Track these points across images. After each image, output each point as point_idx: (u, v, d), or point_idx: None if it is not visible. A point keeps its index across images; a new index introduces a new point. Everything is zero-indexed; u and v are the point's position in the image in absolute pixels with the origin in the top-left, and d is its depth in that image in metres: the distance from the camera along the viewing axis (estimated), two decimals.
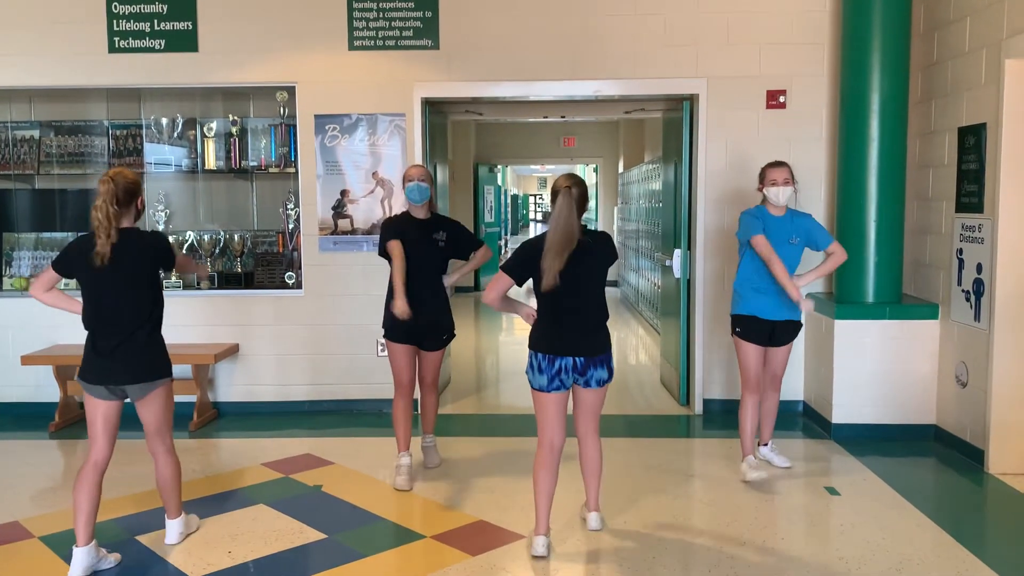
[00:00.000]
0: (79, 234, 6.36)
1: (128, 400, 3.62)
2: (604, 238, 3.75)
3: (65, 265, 3.58)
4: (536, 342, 3.70)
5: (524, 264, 3.67)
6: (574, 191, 3.57)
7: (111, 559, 3.62)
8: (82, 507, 3.50)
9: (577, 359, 3.64)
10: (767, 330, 4.62)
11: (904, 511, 4.19)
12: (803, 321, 4.77)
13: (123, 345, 3.52)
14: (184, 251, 6.46)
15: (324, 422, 5.93)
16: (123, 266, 3.49)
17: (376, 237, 5.92)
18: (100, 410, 3.56)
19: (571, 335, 3.65)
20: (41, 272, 3.82)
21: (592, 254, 3.63)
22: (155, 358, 3.61)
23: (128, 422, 3.80)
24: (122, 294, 3.52)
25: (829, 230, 5.86)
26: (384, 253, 4.58)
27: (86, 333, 3.60)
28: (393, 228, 4.59)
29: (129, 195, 3.55)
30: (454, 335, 4.84)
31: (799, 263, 4.65)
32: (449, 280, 4.70)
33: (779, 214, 4.60)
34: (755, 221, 4.54)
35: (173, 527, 3.83)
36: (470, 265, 4.80)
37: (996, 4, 4.67)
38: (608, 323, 3.77)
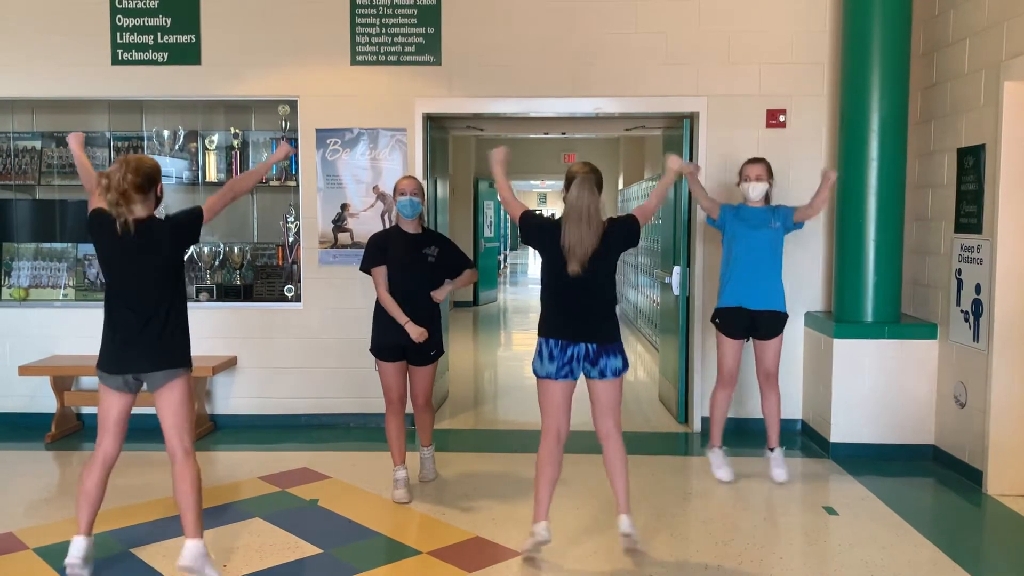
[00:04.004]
0: (79, 245, 6.46)
1: (146, 389, 3.52)
2: (623, 221, 3.71)
3: (93, 228, 3.46)
4: (546, 328, 3.64)
5: (530, 233, 3.71)
6: (592, 176, 3.58)
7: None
8: (88, 493, 3.48)
9: (590, 346, 3.58)
10: (746, 321, 4.83)
11: (902, 531, 4.18)
12: (787, 311, 4.93)
13: (143, 332, 3.40)
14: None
15: (321, 436, 5.91)
16: (145, 248, 3.38)
17: None
18: (114, 403, 3.48)
19: (584, 322, 3.60)
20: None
21: (608, 240, 3.60)
22: (176, 346, 3.49)
23: (130, 434, 3.75)
24: (143, 278, 3.42)
25: (828, 250, 5.90)
26: (367, 271, 4.61)
27: (103, 319, 3.48)
28: (378, 247, 4.57)
29: (150, 181, 3.40)
30: (443, 351, 4.79)
31: (782, 247, 4.88)
32: (436, 296, 4.64)
33: (758, 206, 4.92)
34: (725, 210, 4.90)
35: (190, 548, 3.47)
36: (455, 284, 4.72)
37: (995, 26, 4.70)
38: (616, 310, 3.75)
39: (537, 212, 3.96)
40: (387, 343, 4.58)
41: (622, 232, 3.69)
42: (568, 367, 3.60)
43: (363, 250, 4.59)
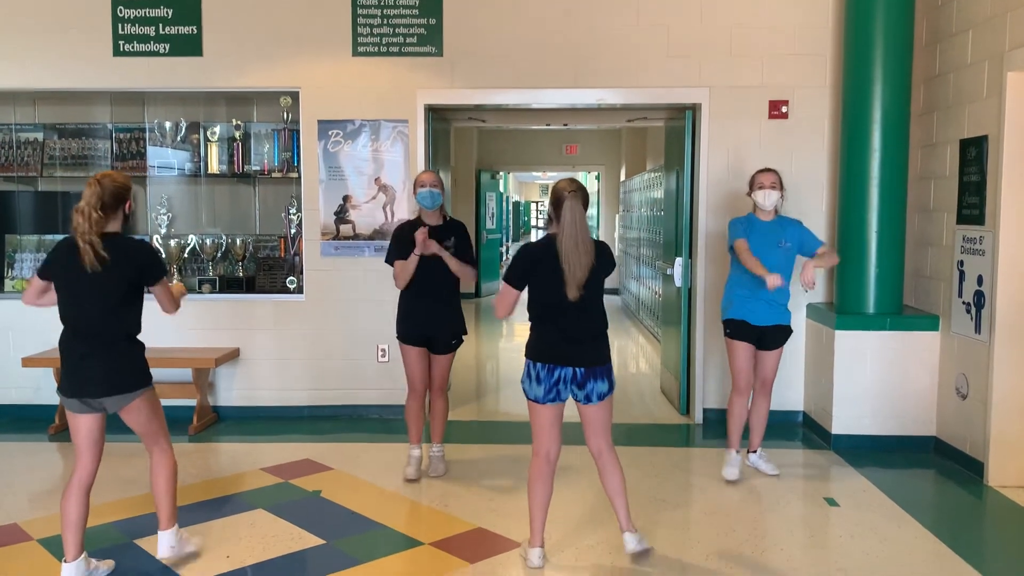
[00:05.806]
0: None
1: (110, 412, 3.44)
2: (603, 247, 3.67)
3: (47, 271, 3.40)
4: (534, 351, 3.60)
5: (527, 271, 3.61)
6: (579, 195, 3.52)
7: (103, 567, 3.53)
8: (71, 521, 3.37)
9: (577, 370, 3.54)
10: (756, 334, 4.74)
11: (903, 523, 4.19)
12: (791, 327, 4.85)
13: (95, 355, 3.32)
14: (186, 253, 6.46)
15: (324, 427, 5.92)
16: (102, 274, 3.27)
17: (379, 243, 5.94)
18: (81, 423, 3.39)
19: (571, 345, 3.55)
20: (30, 280, 3.58)
21: (596, 262, 3.55)
22: (130, 368, 3.40)
23: (122, 425, 3.76)
24: (98, 302, 3.31)
25: (830, 240, 5.88)
26: (391, 263, 4.68)
27: (59, 341, 3.38)
28: (402, 241, 4.60)
29: (116, 199, 3.35)
30: (463, 340, 4.86)
31: (792, 266, 4.72)
32: (424, 241, 4.49)
33: (768, 219, 4.75)
34: (738, 226, 4.71)
35: (164, 539, 3.58)
36: (451, 260, 4.60)
37: (998, 17, 4.69)
38: (608, 332, 3.69)
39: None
40: (412, 333, 4.68)
41: (606, 255, 3.64)
42: (555, 390, 3.56)
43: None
